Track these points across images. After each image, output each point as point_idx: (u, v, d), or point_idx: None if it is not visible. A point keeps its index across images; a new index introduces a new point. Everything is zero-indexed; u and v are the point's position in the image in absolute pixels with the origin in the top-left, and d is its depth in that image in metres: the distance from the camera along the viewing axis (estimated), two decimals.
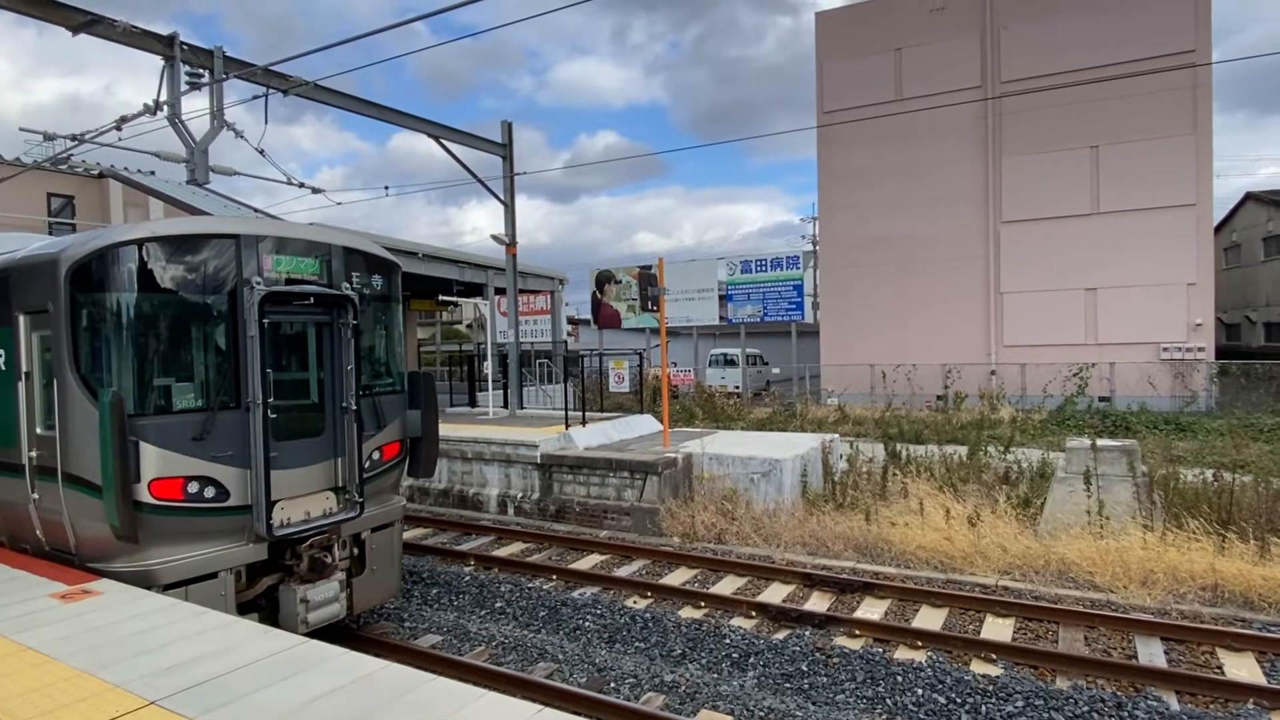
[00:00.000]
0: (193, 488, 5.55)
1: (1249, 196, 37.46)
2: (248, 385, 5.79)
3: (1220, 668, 6.32)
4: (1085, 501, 9.42)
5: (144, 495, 5.34)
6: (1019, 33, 24.05)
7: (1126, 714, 5.50)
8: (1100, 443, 12.33)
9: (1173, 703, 5.72)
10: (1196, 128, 22.02)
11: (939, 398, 23.73)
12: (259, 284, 5.84)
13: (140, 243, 5.49)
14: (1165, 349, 22.33)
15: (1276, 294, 33.21)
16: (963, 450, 13.22)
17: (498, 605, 8.18)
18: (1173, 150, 22.18)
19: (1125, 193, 22.72)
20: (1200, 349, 22.06)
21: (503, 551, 10.32)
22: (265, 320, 5.85)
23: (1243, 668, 6.27)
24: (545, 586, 8.72)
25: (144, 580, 5.41)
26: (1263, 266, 35.36)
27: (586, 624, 7.51)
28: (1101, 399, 22.35)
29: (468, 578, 9.05)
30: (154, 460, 5.38)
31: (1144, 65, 21.32)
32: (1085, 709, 5.56)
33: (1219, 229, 32.52)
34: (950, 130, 24.82)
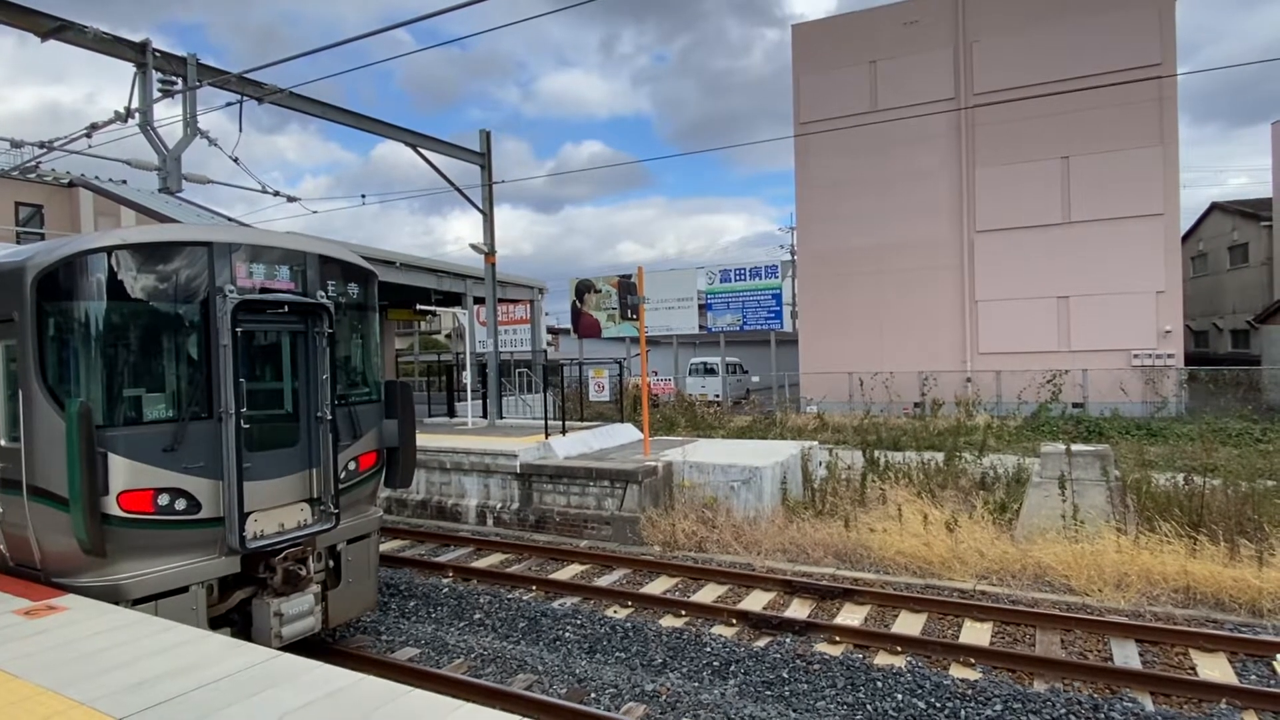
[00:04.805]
0: (163, 500, 5.43)
1: (1215, 206, 38.38)
2: (220, 395, 5.69)
3: (1193, 668, 6.40)
4: (1060, 506, 9.53)
5: (112, 508, 5.22)
6: (991, 46, 24.50)
7: (1103, 715, 5.55)
8: (1074, 448, 12.55)
9: (1148, 704, 5.79)
10: (1163, 139, 22.53)
11: (916, 405, 23.97)
12: (232, 292, 5.76)
13: (109, 250, 5.39)
14: (1136, 356, 22.74)
15: (1242, 302, 34.00)
16: (940, 456, 13.33)
17: (476, 617, 8.09)
18: (1141, 161, 22.67)
19: (1095, 203, 23.17)
20: (1170, 356, 22.49)
21: (482, 562, 10.22)
22: (238, 329, 5.76)
23: (1215, 668, 6.36)
24: (525, 597, 8.65)
25: (112, 595, 5.28)
26: (1229, 275, 36.20)
27: (566, 634, 7.46)
28: (1075, 405, 22.70)
29: (446, 589, 8.95)
30: (123, 472, 5.27)
31: (1112, 78, 21.81)
32: (1062, 711, 5.61)
33: (1186, 238, 33.29)
34: (924, 141, 25.19)
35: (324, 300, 6.41)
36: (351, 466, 6.78)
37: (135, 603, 5.34)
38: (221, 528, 5.72)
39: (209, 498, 5.65)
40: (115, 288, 5.41)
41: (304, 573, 6.28)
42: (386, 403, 7.26)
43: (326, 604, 6.64)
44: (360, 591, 7.03)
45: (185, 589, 5.61)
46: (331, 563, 6.76)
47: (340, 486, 6.49)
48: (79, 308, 5.35)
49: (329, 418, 6.37)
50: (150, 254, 5.58)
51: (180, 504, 5.52)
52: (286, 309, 6.23)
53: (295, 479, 6.28)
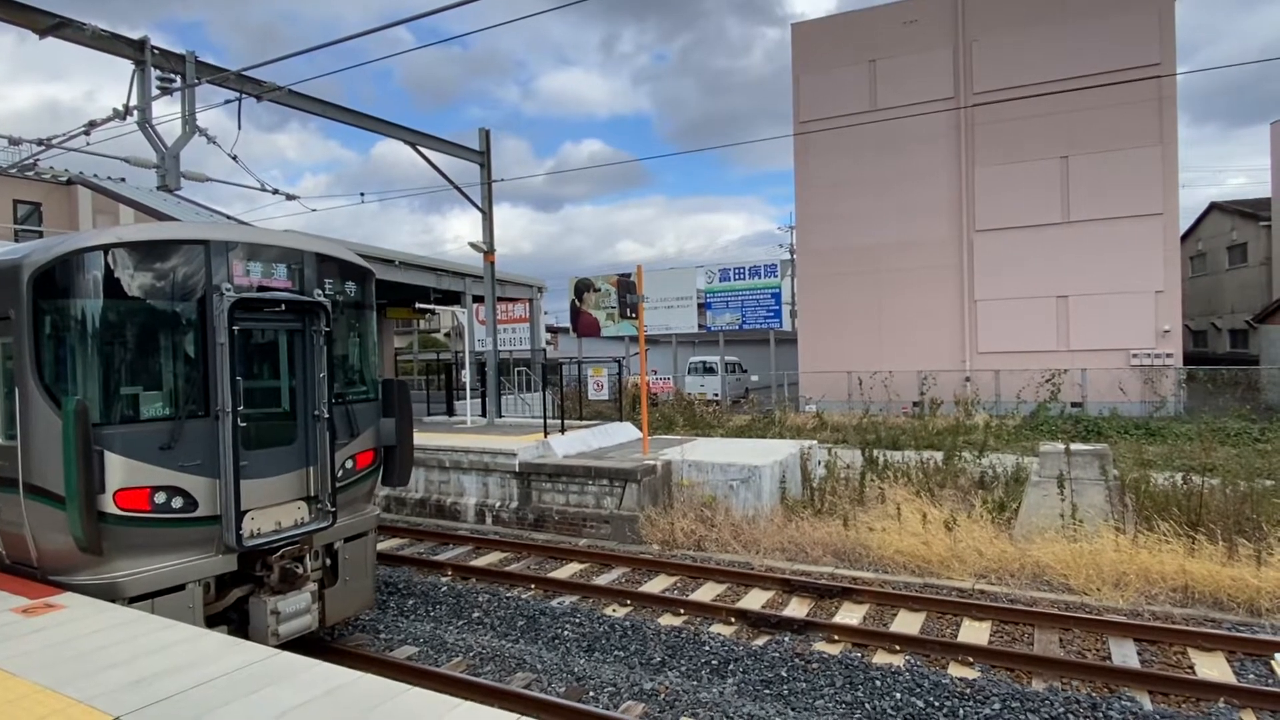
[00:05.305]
0: (160, 498, 5.42)
1: (1214, 206, 38.41)
2: (217, 393, 5.68)
3: (1191, 667, 6.40)
4: (1059, 505, 9.53)
5: (109, 506, 5.21)
6: (990, 45, 24.49)
7: (1101, 715, 5.54)
8: (1073, 447, 12.53)
9: (1146, 703, 5.79)
10: (1163, 138, 22.53)
11: (915, 404, 23.96)
12: (229, 290, 5.75)
13: (106, 248, 5.38)
14: (1135, 355, 22.74)
15: (1241, 301, 34.02)
16: (939, 456, 13.33)
17: (475, 615, 8.08)
18: (1140, 160, 22.67)
19: (1094, 202, 23.17)
20: (1169, 355, 22.50)
21: (481, 561, 10.21)
22: (235, 327, 5.76)
23: (1213, 667, 6.36)
24: (524, 596, 8.64)
25: (108, 593, 5.27)
26: (1227, 275, 36.22)
27: (565, 633, 7.45)
28: (1074, 405, 22.70)
29: (445, 588, 8.95)
30: (119, 470, 5.25)
31: (1111, 78, 21.80)
32: (1061, 710, 5.61)
33: (1185, 238, 33.30)
34: (924, 141, 25.17)
35: (321, 299, 6.40)
36: (349, 465, 6.77)
37: (131, 600, 5.32)
38: (218, 526, 5.71)
39: (206, 496, 5.64)
40: (112, 286, 5.39)
41: (301, 571, 6.27)
42: (384, 401, 7.25)
43: (323, 602, 6.63)
44: (357, 590, 7.02)
45: (182, 587, 5.60)
46: (328, 561, 6.75)
47: (337, 485, 6.48)
48: (75, 306, 5.34)
49: (326, 416, 6.36)
50: (147, 252, 5.57)
51: (177, 502, 5.51)
52: (284, 307, 6.22)
53: (292, 477, 6.27)
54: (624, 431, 14.45)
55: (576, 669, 6.60)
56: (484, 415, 17.06)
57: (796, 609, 7.95)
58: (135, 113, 10.45)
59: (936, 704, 5.78)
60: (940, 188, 25.27)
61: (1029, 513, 10.18)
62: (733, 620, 7.67)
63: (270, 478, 6.07)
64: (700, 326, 31.28)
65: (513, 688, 6.09)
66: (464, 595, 8.65)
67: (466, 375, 17.19)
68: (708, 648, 6.91)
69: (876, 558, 9.23)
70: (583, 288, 33.83)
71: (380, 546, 10.52)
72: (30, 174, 15.91)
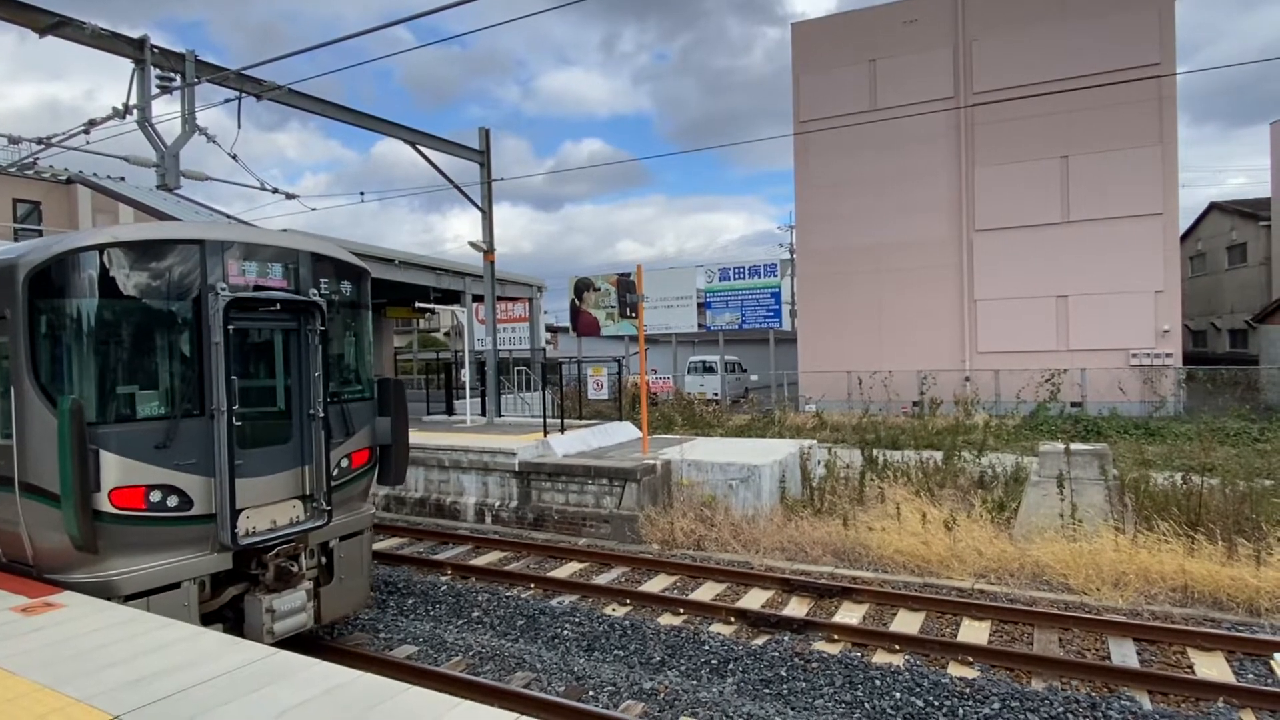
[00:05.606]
0: (155, 496, 5.42)
1: (1213, 206, 38.41)
2: (212, 392, 5.68)
3: (1191, 667, 6.39)
4: (1058, 505, 9.51)
5: (104, 504, 5.21)
6: (990, 45, 24.48)
7: (1100, 714, 5.54)
8: (1073, 447, 12.47)
9: (1145, 702, 5.78)
10: (1163, 138, 22.52)
11: (915, 404, 23.95)
12: (224, 290, 5.74)
13: (101, 248, 5.37)
14: (1134, 355, 22.74)
15: (1241, 301, 34.01)
16: (938, 455, 13.32)
17: (475, 615, 8.07)
18: (1140, 160, 22.67)
19: (1094, 202, 23.17)
20: (1168, 355, 22.49)
21: (480, 560, 10.21)
22: (230, 326, 5.76)
23: (1213, 667, 6.36)
24: (523, 595, 8.63)
25: (104, 591, 5.27)
26: (1227, 275, 36.22)
27: (565, 632, 7.44)
28: (1073, 404, 22.70)
29: (444, 587, 8.93)
30: (115, 469, 5.25)
31: (1111, 77, 21.79)
32: (1060, 710, 5.60)
33: (1185, 238, 33.29)
34: (924, 140, 25.16)
35: (316, 298, 6.40)
36: (344, 464, 6.76)
37: (127, 599, 5.33)
38: (213, 524, 5.71)
39: (201, 494, 5.64)
40: (107, 285, 5.39)
41: (296, 569, 6.27)
42: (380, 400, 7.25)
43: (319, 600, 6.64)
44: (353, 588, 7.02)
45: (177, 585, 5.60)
46: (324, 559, 6.75)
47: (332, 483, 6.48)
48: (71, 305, 5.33)
49: (321, 415, 6.35)
50: (142, 252, 5.56)
51: (172, 501, 5.51)
52: (279, 306, 6.22)
53: (287, 476, 6.27)
54: (623, 431, 14.44)
55: (576, 668, 6.59)
56: (483, 414, 17.05)
57: (796, 608, 7.94)
58: (135, 111, 10.44)
59: (936, 703, 5.77)
60: (940, 187, 25.26)
61: (1028, 512, 10.17)
62: (732, 620, 7.66)
63: (265, 476, 6.07)
64: (700, 326, 31.27)
65: (512, 687, 6.08)
66: (463, 594, 8.64)
67: (466, 374, 17.17)
68: (707, 647, 6.90)
69: (876, 557, 9.22)
70: (582, 287, 33.81)
71: (379, 545, 10.52)
72: (30, 173, 15.90)
